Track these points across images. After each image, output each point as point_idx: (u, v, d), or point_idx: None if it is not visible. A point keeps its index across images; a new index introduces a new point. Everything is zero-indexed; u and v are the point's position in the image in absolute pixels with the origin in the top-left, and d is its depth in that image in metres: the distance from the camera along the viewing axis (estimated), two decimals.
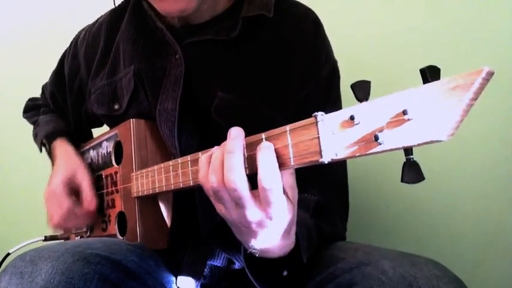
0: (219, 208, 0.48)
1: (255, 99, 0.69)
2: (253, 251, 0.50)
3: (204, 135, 0.70)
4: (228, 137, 0.46)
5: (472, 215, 0.97)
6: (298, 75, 0.71)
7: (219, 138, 0.67)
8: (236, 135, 0.45)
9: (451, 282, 0.47)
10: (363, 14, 1.11)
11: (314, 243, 0.60)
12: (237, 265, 0.73)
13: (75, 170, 0.79)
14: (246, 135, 0.60)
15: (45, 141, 0.90)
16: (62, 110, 0.94)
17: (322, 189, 0.67)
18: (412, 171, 0.34)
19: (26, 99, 1.04)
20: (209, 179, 0.45)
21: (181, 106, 0.69)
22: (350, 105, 0.37)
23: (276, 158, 0.42)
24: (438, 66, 0.33)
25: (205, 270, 0.72)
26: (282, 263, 0.52)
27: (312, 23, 0.74)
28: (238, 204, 0.44)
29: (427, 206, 1.01)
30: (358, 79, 0.37)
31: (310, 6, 0.77)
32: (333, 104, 0.74)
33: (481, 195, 0.97)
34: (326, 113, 0.70)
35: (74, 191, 0.78)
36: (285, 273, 0.54)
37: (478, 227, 0.97)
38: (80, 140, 0.92)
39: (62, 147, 0.86)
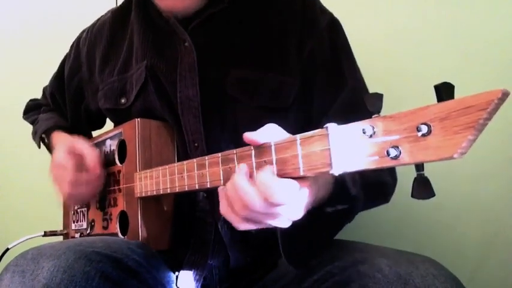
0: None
1: (264, 67, 0.71)
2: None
3: (223, 114, 0.71)
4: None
5: (472, 215, 0.98)
6: (298, 34, 0.72)
7: (237, 111, 0.70)
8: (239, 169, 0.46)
9: (447, 280, 0.47)
10: (364, 17, 1.11)
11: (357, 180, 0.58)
12: (236, 266, 0.74)
13: (74, 141, 0.78)
14: (262, 103, 0.60)
15: (44, 135, 0.90)
16: (61, 110, 0.94)
17: None
18: (422, 188, 0.35)
19: (26, 97, 1.04)
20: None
21: (200, 90, 0.70)
22: None
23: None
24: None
25: (206, 271, 0.72)
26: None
27: None
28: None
29: (427, 205, 1.01)
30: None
31: None
32: (343, 54, 0.74)
33: (481, 195, 0.97)
34: (339, 65, 0.73)
35: (78, 160, 0.76)
36: (329, 209, 0.54)
37: (478, 227, 0.98)
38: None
39: (59, 136, 0.87)
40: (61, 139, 0.86)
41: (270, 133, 0.45)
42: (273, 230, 0.61)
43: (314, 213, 0.50)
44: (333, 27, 0.76)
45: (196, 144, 0.70)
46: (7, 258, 0.72)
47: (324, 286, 0.55)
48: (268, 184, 0.42)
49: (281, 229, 0.52)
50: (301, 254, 0.57)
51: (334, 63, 0.73)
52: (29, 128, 0.99)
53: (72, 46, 0.93)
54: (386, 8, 1.09)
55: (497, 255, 0.96)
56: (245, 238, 0.71)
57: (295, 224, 0.48)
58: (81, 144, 0.77)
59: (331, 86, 0.72)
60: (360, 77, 0.75)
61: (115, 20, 0.84)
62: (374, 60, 1.08)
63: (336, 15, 0.78)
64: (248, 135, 0.45)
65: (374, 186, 0.62)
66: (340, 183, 0.52)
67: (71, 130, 0.90)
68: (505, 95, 0.30)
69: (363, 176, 0.58)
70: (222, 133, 0.70)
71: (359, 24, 1.11)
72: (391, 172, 0.70)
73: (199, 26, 0.73)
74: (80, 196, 0.77)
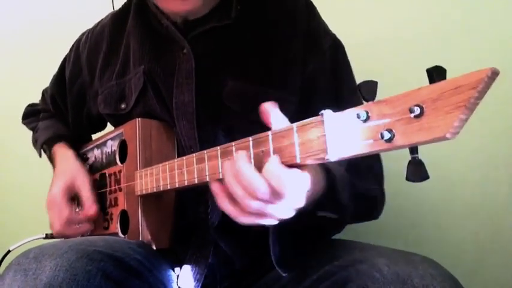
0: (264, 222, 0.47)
1: (264, 82, 0.71)
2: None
3: (218, 123, 0.71)
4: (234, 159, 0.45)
5: (471, 215, 0.98)
6: (301, 53, 0.73)
7: (232, 123, 0.70)
8: (240, 156, 0.45)
9: (445, 280, 0.47)
10: (364, 14, 1.12)
11: (346, 191, 0.58)
12: (236, 265, 0.74)
13: (74, 177, 0.81)
14: (257, 118, 0.61)
15: (45, 147, 0.90)
16: (62, 113, 0.95)
17: None
18: (417, 170, 0.35)
19: (27, 97, 1.05)
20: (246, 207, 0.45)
21: (196, 97, 0.71)
22: None
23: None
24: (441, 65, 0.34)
25: (206, 270, 0.72)
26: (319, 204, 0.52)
27: (304, 3, 0.77)
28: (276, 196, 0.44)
29: (427, 206, 1.01)
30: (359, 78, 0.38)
31: None
32: (344, 76, 0.75)
33: (479, 196, 0.97)
34: (339, 86, 0.74)
35: (74, 197, 0.80)
36: (320, 213, 0.54)
37: (477, 228, 0.98)
38: (79, 142, 0.93)
39: (62, 152, 0.87)
40: (62, 163, 0.85)
41: (281, 122, 0.46)
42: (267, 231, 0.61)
43: (306, 215, 0.50)
44: (336, 49, 0.76)
45: (192, 150, 0.70)
46: (8, 260, 0.72)
47: (323, 285, 0.55)
48: (277, 174, 0.42)
49: (273, 230, 0.52)
50: (289, 257, 0.57)
51: (333, 87, 0.74)
52: (29, 130, 1.00)
53: (71, 49, 0.93)
54: (385, 8, 1.10)
55: (495, 256, 0.96)
56: (241, 240, 0.72)
57: (287, 225, 0.48)
58: (80, 180, 0.80)
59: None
60: (357, 100, 0.75)
61: (114, 24, 0.85)
62: (372, 60, 1.09)
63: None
64: (267, 107, 0.47)
65: (363, 198, 0.64)
66: (331, 189, 0.53)
67: (71, 136, 0.91)
68: (494, 73, 0.30)
69: (352, 185, 0.60)
70: (216, 141, 0.70)
71: (357, 24, 1.12)
72: (380, 186, 0.71)
73: (199, 35, 0.74)
74: (68, 234, 0.79)
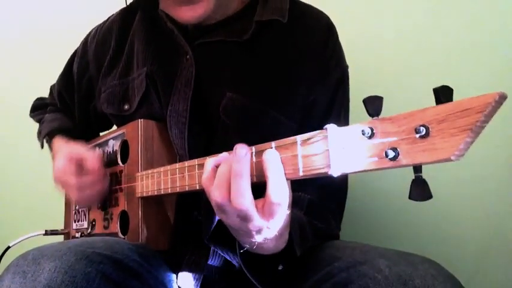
0: (220, 216, 0.49)
1: (263, 101, 0.69)
2: (248, 247, 0.52)
3: (212, 136, 0.70)
4: (233, 153, 0.45)
5: (472, 216, 0.98)
6: (307, 82, 0.71)
7: (227, 138, 0.69)
8: (242, 154, 0.45)
9: (446, 281, 0.47)
10: (365, 17, 1.12)
11: (309, 238, 0.62)
12: (236, 265, 0.74)
13: (71, 147, 0.79)
14: (253, 137, 0.60)
15: (47, 138, 0.90)
16: (68, 109, 0.94)
17: (318, 187, 0.69)
18: (420, 189, 0.35)
19: (28, 95, 1.05)
20: (213, 193, 0.46)
21: (191, 107, 0.70)
22: (357, 115, 0.38)
23: (284, 171, 0.43)
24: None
25: (205, 270, 0.72)
26: (277, 258, 0.54)
27: (325, 30, 0.74)
28: (243, 218, 0.45)
29: (427, 206, 1.01)
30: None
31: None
32: (337, 109, 0.74)
33: (480, 196, 0.98)
34: (330, 118, 0.73)
35: (79, 165, 0.76)
36: (281, 267, 0.56)
37: (478, 228, 0.98)
38: (85, 139, 0.92)
39: (61, 141, 0.87)
40: (59, 147, 0.85)
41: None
42: None
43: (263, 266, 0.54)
44: (341, 83, 0.75)
45: (183, 159, 0.70)
46: (8, 257, 0.72)
47: (323, 287, 0.55)
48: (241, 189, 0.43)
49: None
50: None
51: (324, 115, 0.73)
52: (30, 125, 0.99)
53: (81, 43, 0.92)
54: (386, 11, 1.10)
55: (496, 256, 0.96)
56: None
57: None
58: (78, 149, 0.78)
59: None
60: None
61: (122, 20, 0.84)
62: (374, 64, 1.09)
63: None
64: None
65: (324, 236, 0.66)
66: (289, 245, 0.54)
67: (75, 132, 0.90)
68: (502, 97, 0.30)
69: (313, 227, 0.62)
70: (206, 152, 0.69)
71: (359, 26, 1.12)
72: (338, 224, 0.73)
73: (206, 44, 0.72)
74: (88, 198, 0.77)
